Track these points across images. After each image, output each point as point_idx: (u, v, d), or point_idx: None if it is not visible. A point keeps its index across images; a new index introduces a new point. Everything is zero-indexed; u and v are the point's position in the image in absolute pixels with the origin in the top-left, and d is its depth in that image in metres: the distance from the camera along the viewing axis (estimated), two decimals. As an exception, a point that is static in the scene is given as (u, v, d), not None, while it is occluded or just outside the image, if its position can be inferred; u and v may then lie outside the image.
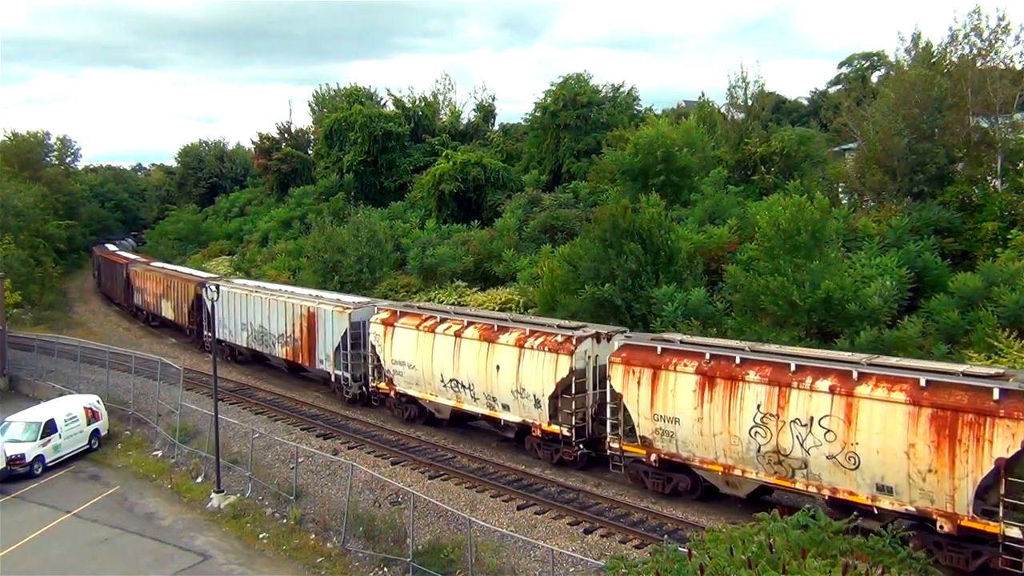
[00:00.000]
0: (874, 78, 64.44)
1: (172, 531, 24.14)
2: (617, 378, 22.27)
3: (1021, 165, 34.13)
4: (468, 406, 27.10)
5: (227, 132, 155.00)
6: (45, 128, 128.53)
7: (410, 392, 29.36)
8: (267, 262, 60.52)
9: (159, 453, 31.01)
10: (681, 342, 22.28)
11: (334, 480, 25.27)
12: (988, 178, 34.36)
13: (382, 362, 30.21)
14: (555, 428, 24.13)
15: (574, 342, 23.70)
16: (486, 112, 77.27)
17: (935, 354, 23.70)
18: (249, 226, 78.13)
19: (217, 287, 33.52)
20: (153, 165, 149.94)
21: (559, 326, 25.35)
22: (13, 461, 28.54)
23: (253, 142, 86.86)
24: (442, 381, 27.60)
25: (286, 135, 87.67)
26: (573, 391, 23.60)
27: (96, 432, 32.17)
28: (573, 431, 23.78)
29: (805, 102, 75.50)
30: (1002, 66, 35.72)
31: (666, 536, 19.06)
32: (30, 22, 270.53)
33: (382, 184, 68.11)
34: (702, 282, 31.54)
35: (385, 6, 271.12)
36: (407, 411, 30.10)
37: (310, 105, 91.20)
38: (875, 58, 68.69)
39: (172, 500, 26.71)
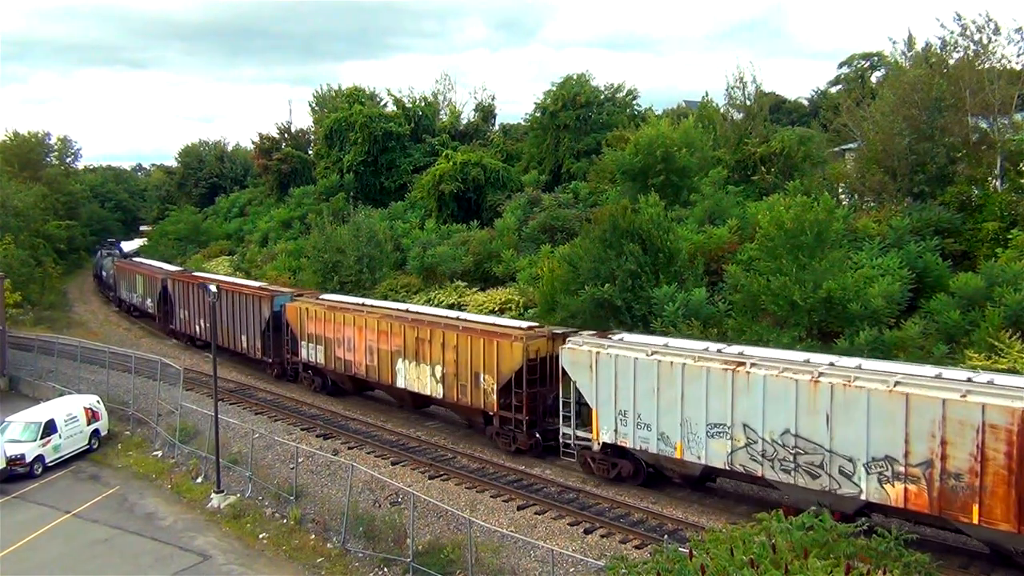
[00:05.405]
0: (874, 78, 64.30)
1: (172, 531, 24.15)
2: None
3: (1021, 165, 34.08)
4: None
5: (224, 132, 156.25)
6: (44, 128, 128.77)
7: None
8: (267, 262, 60.53)
9: (159, 453, 31.02)
10: None
11: (334, 480, 25.28)
12: (988, 178, 34.30)
13: None
14: None
15: None
16: (486, 112, 77.13)
17: (935, 354, 23.69)
18: (249, 226, 78.05)
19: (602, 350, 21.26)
20: (153, 165, 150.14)
21: None
22: (13, 461, 28.57)
23: (253, 142, 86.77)
24: None
25: (286, 135, 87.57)
26: None
27: (96, 432, 32.19)
28: None
29: (805, 102, 75.41)
30: (999, 67, 35.67)
31: (666, 536, 19.08)
32: (27, 22, 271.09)
33: (382, 184, 68.03)
34: (702, 282, 31.50)
35: (379, 7, 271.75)
36: None
37: (310, 105, 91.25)
38: (875, 58, 68.53)
39: (172, 500, 26.72)
